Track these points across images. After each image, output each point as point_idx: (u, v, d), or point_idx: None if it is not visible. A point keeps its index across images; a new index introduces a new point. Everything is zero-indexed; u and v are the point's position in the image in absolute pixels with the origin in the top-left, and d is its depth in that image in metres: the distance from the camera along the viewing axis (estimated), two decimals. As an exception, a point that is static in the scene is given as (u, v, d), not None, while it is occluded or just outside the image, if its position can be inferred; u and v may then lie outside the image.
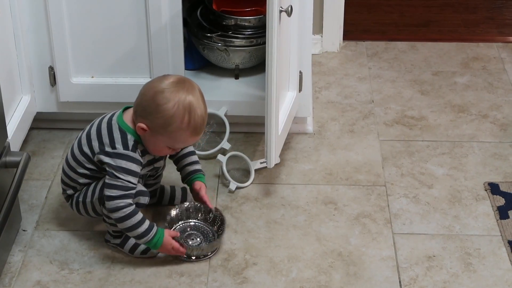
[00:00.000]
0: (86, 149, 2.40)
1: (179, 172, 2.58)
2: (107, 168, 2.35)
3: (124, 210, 2.34)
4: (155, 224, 2.41)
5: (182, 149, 2.55)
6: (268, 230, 2.59)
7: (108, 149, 2.35)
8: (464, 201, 2.71)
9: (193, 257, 2.46)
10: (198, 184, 2.55)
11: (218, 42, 2.97)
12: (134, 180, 2.35)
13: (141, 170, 2.38)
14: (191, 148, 2.57)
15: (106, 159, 2.34)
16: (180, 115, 2.30)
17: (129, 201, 2.35)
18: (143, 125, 2.32)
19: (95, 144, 2.37)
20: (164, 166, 2.57)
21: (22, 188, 2.56)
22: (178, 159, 2.57)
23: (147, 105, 2.32)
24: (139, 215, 2.37)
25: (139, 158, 2.36)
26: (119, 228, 2.45)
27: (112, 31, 2.80)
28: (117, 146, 2.34)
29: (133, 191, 2.35)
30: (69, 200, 2.51)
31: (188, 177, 2.56)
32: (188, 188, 2.61)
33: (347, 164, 2.89)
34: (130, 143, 2.35)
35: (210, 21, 3.04)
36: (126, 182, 2.33)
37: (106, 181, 2.34)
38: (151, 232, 2.38)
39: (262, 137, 2.95)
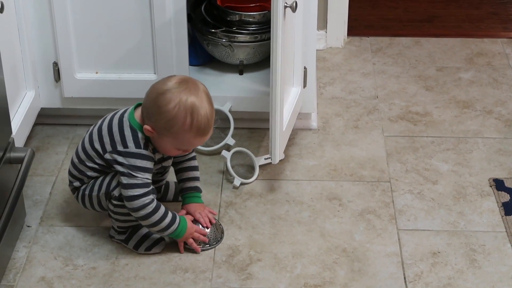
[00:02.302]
0: (97, 145, 2.39)
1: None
2: (120, 168, 2.34)
3: (150, 206, 2.35)
4: (176, 213, 2.42)
5: (186, 156, 2.54)
6: (273, 226, 2.59)
7: (120, 148, 2.35)
8: (469, 197, 2.71)
9: (207, 245, 2.48)
10: (191, 208, 2.53)
11: (222, 38, 2.97)
12: (150, 176, 2.36)
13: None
14: (195, 163, 2.55)
15: (120, 159, 2.34)
16: (182, 116, 2.28)
17: (152, 196, 2.36)
18: (148, 127, 2.32)
19: (107, 141, 2.37)
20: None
21: (26, 184, 2.55)
22: (178, 170, 2.56)
23: (150, 107, 2.31)
24: (162, 208, 2.38)
25: (151, 155, 2.36)
26: (124, 224, 2.46)
27: (117, 26, 2.80)
28: (129, 144, 2.34)
29: (151, 187, 2.36)
30: (75, 192, 2.51)
31: (184, 193, 2.55)
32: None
33: (351, 160, 2.88)
34: (142, 141, 2.35)
35: (214, 16, 3.04)
36: (145, 179, 2.34)
37: (124, 182, 2.34)
38: (176, 222, 2.40)
39: (267, 132, 2.95)
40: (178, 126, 2.29)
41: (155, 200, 2.37)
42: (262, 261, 2.45)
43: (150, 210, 2.35)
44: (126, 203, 2.36)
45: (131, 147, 2.34)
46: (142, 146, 2.34)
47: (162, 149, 2.38)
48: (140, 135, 2.35)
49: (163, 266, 2.43)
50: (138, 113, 2.37)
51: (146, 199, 2.34)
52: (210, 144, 2.92)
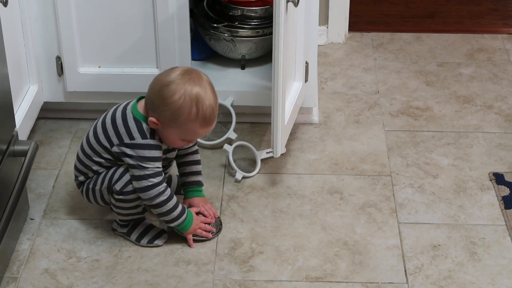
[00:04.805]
0: (103, 139, 2.40)
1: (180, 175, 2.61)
2: (130, 161, 2.36)
3: (166, 192, 2.39)
4: (185, 206, 2.47)
5: (188, 149, 2.55)
6: (274, 219, 2.60)
7: (127, 140, 2.36)
8: (469, 191, 2.72)
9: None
10: (194, 202, 2.56)
11: (224, 33, 2.98)
12: (160, 165, 2.38)
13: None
14: (197, 157, 2.57)
15: (128, 151, 2.36)
16: (187, 106, 2.30)
17: (165, 184, 2.39)
18: (154, 119, 2.33)
19: (112, 134, 2.38)
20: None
21: (29, 177, 2.56)
22: (180, 164, 2.57)
23: (154, 98, 2.33)
24: (175, 197, 2.42)
25: (158, 143, 2.38)
26: (126, 218, 2.48)
27: (119, 21, 2.81)
28: (135, 136, 2.36)
29: (163, 175, 2.39)
30: (80, 187, 2.52)
31: (186, 187, 2.57)
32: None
33: (352, 154, 2.90)
34: (147, 131, 2.36)
35: (216, 11, 3.05)
36: (156, 169, 2.36)
37: (135, 174, 2.36)
38: (185, 213, 2.44)
39: (268, 127, 2.96)
40: (184, 116, 2.30)
41: (169, 188, 2.40)
42: (264, 253, 2.47)
43: (166, 197, 2.38)
44: (141, 194, 2.38)
45: (138, 138, 2.35)
46: (148, 136, 2.36)
47: (167, 141, 2.40)
48: (144, 125, 2.36)
49: (166, 258, 2.45)
50: (141, 105, 2.38)
51: (161, 187, 2.37)
52: (212, 138, 2.94)
